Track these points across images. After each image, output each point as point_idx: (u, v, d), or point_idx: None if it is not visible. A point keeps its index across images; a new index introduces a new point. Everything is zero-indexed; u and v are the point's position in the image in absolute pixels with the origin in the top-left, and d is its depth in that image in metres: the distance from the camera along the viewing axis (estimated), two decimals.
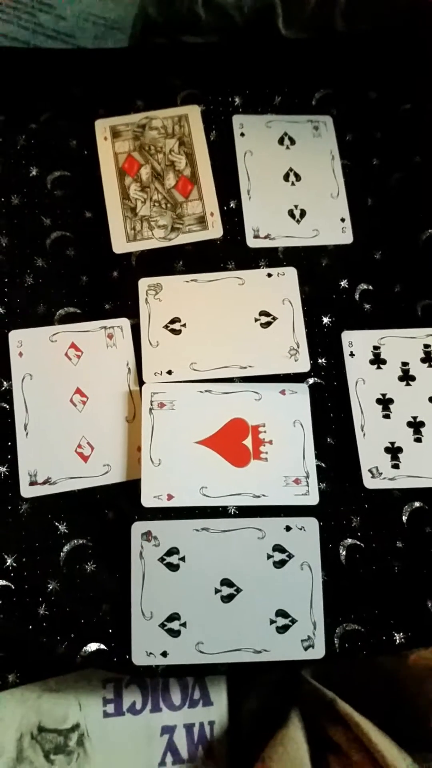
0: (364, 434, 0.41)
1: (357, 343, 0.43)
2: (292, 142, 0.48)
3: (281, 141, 0.48)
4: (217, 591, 0.37)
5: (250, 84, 0.49)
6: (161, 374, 0.42)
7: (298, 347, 0.42)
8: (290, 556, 0.38)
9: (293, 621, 0.37)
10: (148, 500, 0.38)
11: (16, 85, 0.49)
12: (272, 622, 0.37)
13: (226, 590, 0.37)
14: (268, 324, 0.43)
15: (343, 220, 0.46)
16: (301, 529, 0.38)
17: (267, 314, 0.43)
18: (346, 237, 0.46)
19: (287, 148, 0.48)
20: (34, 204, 0.47)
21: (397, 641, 0.38)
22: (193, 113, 0.48)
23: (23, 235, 0.46)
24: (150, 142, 0.48)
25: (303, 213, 0.46)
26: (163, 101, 0.49)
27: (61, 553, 0.39)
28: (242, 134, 0.48)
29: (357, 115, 0.49)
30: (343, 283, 0.45)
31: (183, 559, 0.37)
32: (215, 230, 0.46)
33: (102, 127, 0.48)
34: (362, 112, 0.49)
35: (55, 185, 0.47)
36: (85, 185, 0.47)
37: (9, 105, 0.49)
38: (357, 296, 0.45)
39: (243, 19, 0.51)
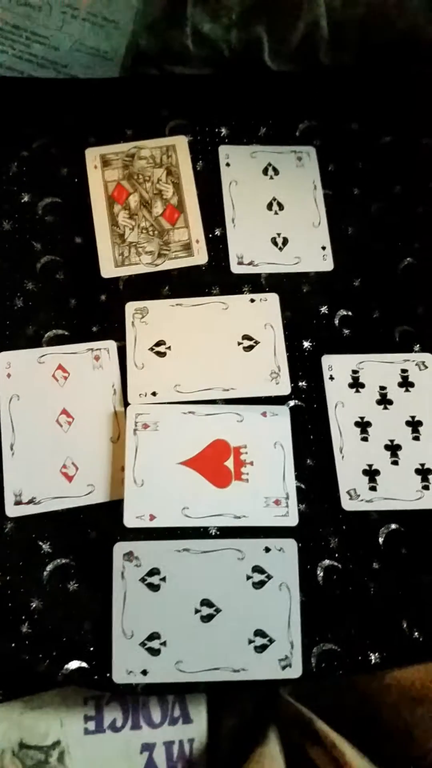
0: (343, 456, 0.41)
1: (336, 367, 0.43)
2: (276, 172, 0.49)
3: (265, 171, 0.49)
4: (197, 611, 0.37)
5: (236, 115, 0.50)
6: (146, 396, 0.42)
7: (280, 370, 0.43)
8: (269, 576, 0.38)
9: (271, 641, 0.37)
10: (130, 520, 0.38)
11: (8, 113, 0.50)
12: (251, 641, 0.37)
13: (206, 610, 0.37)
14: (250, 348, 0.44)
15: (324, 248, 0.47)
16: (280, 550, 0.38)
17: (249, 338, 0.44)
18: (327, 264, 0.47)
19: (271, 178, 0.49)
20: (26, 229, 0.47)
21: (373, 661, 0.38)
22: (181, 144, 0.49)
23: (14, 259, 0.46)
24: (138, 171, 0.48)
25: (285, 241, 0.47)
26: (151, 131, 0.49)
27: (44, 572, 0.39)
28: (228, 164, 0.49)
29: (339, 146, 0.50)
30: (324, 309, 0.45)
31: (164, 579, 0.37)
32: (200, 257, 0.46)
33: (92, 155, 0.49)
34: (344, 143, 0.50)
35: (46, 211, 0.48)
36: (75, 212, 0.47)
37: (2, 132, 0.49)
38: (337, 322, 0.45)
39: (231, 52, 0.52)
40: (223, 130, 0.50)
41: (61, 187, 0.48)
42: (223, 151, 0.49)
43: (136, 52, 0.51)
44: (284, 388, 0.42)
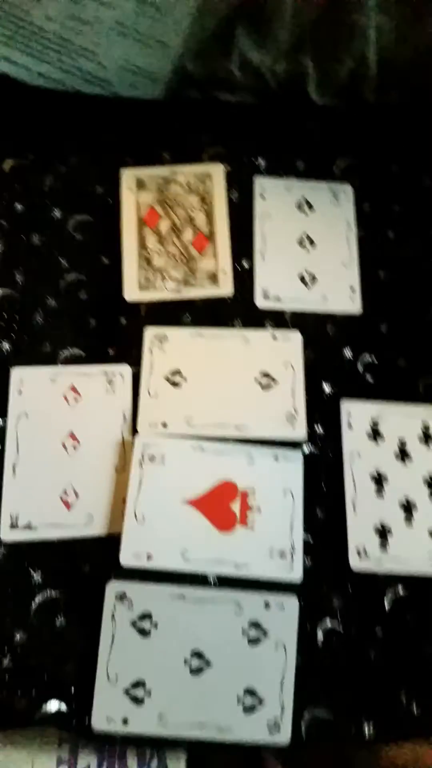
0: (355, 511, 0.38)
1: (356, 414, 0.41)
2: (310, 207, 0.47)
3: (299, 206, 0.47)
4: (186, 662, 0.35)
5: (275, 147, 0.49)
6: (156, 426, 0.40)
7: (297, 413, 0.41)
8: (266, 634, 0.35)
9: (261, 701, 0.35)
10: (127, 559, 0.36)
11: (48, 126, 0.49)
12: (239, 700, 0.34)
13: (196, 662, 0.35)
14: (268, 386, 0.42)
15: (353, 289, 0.45)
16: (280, 607, 0.35)
17: (268, 376, 0.42)
18: (355, 306, 0.45)
19: (305, 213, 0.47)
20: (54, 245, 0.46)
21: (367, 733, 0.35)
22: (217, 172, 0.48)
23: (39, 274, 0.46)
24: (172, 196, 0.47)
25: (314, 278, 0.45)
26: (189, 156, 0.48)
27: (33, 604, 0.37)
28: (262, 196, 0.48)
29: (377, 186, 0.48)
30: (348, 352, 0.43)
31: (155, 625, 0.35)
32: (226, 288, 0.45)
33: (128, 176, 0.48)
34: (383, 184, 0.48)
35: (76, 228, 0.47)
36: (104, 231, 0.46)
37: (39, 144, 0.49)
38: (360, 367, 0.43)
39: (276, 82, 0.51)
40: (261, 162, 0.49)
41: (93, 206, 0.47)
42: (259, 182, 0.48)
43: (181, 75, 0.50)
44: (300, 432, 0.40)
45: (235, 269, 0.45)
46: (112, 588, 0.36)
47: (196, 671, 0.35)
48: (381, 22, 0.46)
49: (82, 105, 0.50)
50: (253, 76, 0.51)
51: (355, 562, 0.38)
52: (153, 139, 0.49)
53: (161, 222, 0.46)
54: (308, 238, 0.46)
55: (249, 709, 0.34)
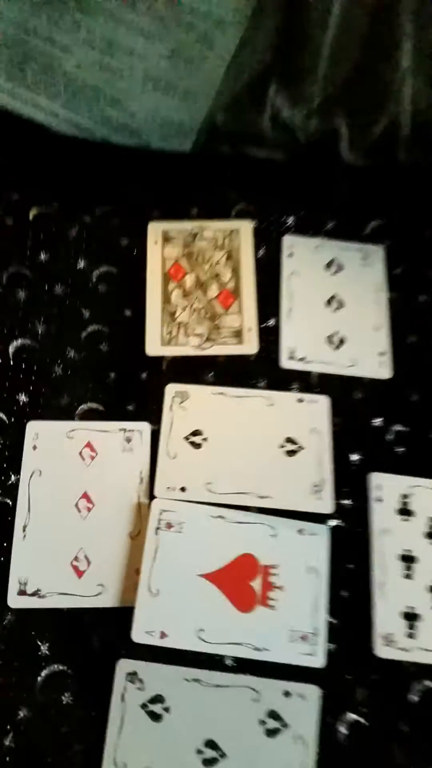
0: (383, 593, 0.37)
1: (386, 487, 0.41)
2: (340, 268, 0.48)
3: (329, 265, 0.48)
4: (199, 752, 0.34)
5: (305, 205, 0.50)
6: (174, 490, 0.40)
7: (323, 484, 0.40)
8: (285, 725, 0.34)
9: None
10: (139, 635, 0.36)
11: (75, 175, 0.51)
12: None
13: (210, 753, 0.34)
14: (293, 452, 0.41)
15: (382, 354, 0.45)
16: (300, 696, 0.34)
17: (293, 442, 0.42)
18: (384, 372, 0.45)
19: (334, 273, 0.48)
20: (77, 295, 0.47)
21: None
22: (245, 229, 0.49)
23: (61, 324, 0.46)
24: (198, 252, 0.48)
25: (342, 341, 0.46)
26: (217, 211, 0.50)
27: (38, 678, 0.36)
28: (290, 254, 0.48)
29: (409, 249, 0.49)
30: (377, 421, 0.43)
31: (168, 709, 0.34)
32: (251, 346, 0.45)
33: (154, 230, 0.49)
34: (415, 247, 0.49)
35: (100, 280, 0.48)
36: (128, 284, 0.47)
37: (65, 193, 0.50)
38: (390, 437, 0.43)
39: (307, 139, 0.53)
40: (290, 220, 0.50)
41: (118, 258, 0.48)
42: (287, 241, 0.49)
43: (211, 129, 0.52)
44: (327, 504, 0.39)
45: (260, 327, 0.46)
46: (123, 667, 0.35)
47: (209, 762, 0.34)
48: (416, 83, 0.47)
49: (110, 155, 0.52)
50: (284, 132, 0.53)
51: (381, 650, 0.37)
52: (181, 193, 0.51)
53: (187, 277, 0.47)
54: (337, 299, 0.47)
55: None
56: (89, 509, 0.40)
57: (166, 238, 0.49)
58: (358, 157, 0.52)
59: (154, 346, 0.45)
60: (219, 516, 0.39)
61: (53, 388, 0.44)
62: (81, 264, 0.48)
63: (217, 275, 0.47)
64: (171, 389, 0.43)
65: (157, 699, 0.34)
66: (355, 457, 0.42)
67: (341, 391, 0.44)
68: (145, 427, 0.42)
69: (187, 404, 0.43)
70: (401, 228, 0.49)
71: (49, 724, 0.35)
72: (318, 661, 0.35)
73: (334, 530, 0.40)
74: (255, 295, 0.47)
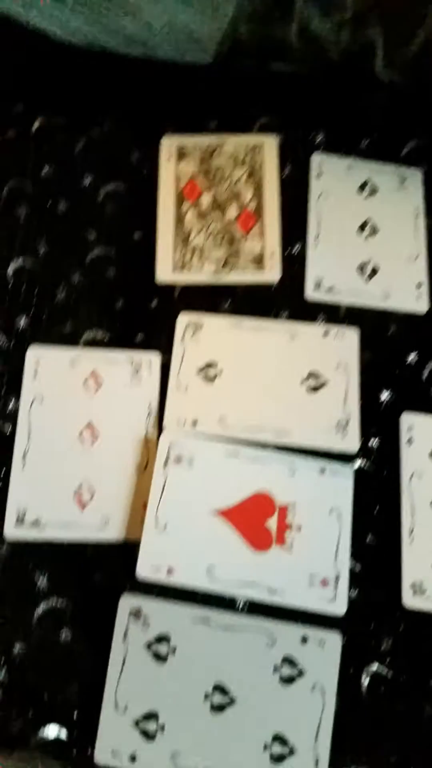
0: (412, 540, 0.36)
1: (418, 429, 0.39)
2: (374, 191, 0.45)
3: (362, 188, 0.45)
4: (207, 696, 0.33)
5: (335, 122, 0.47)
6: (185, 424, 0.38)
7: (349, 422, 0.38)
8: (301, 673, 0.33)
9: (292, 751, 0.32)
10: (144, 570, 0.34)
11: (84, 88, 0.48)
12: (266, 747, 0.32)
13: (218, 698, 0.33)
14: (316, 388, 0.39)
15: (419, 285, 0.43)
16: (319, 643, 0.33)
17: (317, 377, 0.40)
18: (421, 305, 0.42)
19: (367, 197, 0.45)
20: (82, 215, 0.45)
21: None
22: (269, 145, 0.46)
23: (64, 245, 0.44)
24: (217, 169, 0.45)
25: (374, 271, 0.43)
26: (238, 126, 0.47)
27: (35, 613, 0.35)
28: (319, 174, 0.46)
29: None
30: (411, 357, 0.41)
31: (173, 650, 0.33)
32: (272, 273, 0.43)
33: (168, 145, 0.46)
34: None
35: (108, 198, 0.45)
36: (138, 204, 0.45)
37: (74, 108, 0.47)
38: (425, 374, 0.41)
39: (339, 54, 0.49)
40: (319, 137, 0.47)
41: (127, 175, 0.46)
42: (316, 159, 0.46)
43: (233, 41, 0.49)
44: (352, 443, 0.38)
45: (284, 253, 0.43)
46: (127, 602, 0.34)
47: (218, 708, 0.32)
48: None
49: (123, 66, 0.49)
50: (313, 46, 0.49)
51: (409, 599, 0.35)
52: (198, 106, 0.48)
53: (203, 196, 0.45)
54: (370, 225, 0.44)
55: (277, 759, 0.32)
56: (94, 440, 0.38)
57: (181, 154, 0.46)
58: (393, 74, 0.49)
59: (165, 272, 0.43)
60: (232, 452, 0.37)
61: (56, 314, 0.42)
62: (87, 181, 0.46)
63: (237, 195, 0.45)
64: (183, 319, 0.41)
65: (163, 638, 0.33)
66: (385, 395, 0.40)
67: (372, 325, 0.42)
68: (155, 358, 0.41)
69: (200, 335, 0.41)
70: None
71: (45, 661, 0.34)
72: (339, 607, 0.34)
73: (359, 472, 0.38)
74: (279, 218, 0.44)
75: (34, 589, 0.35)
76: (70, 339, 0.42)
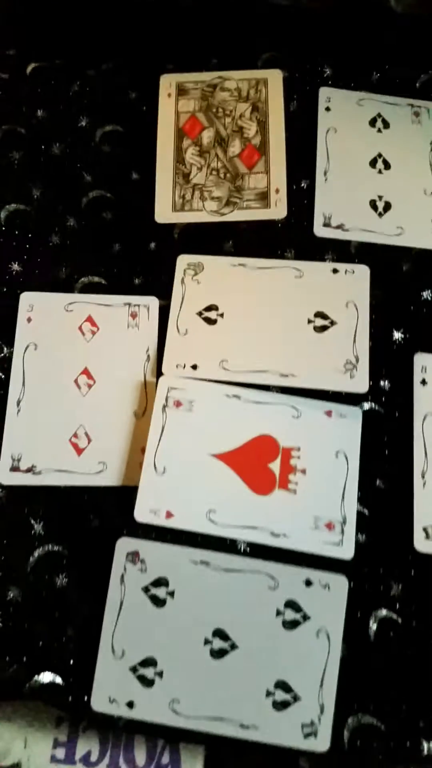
0: (425, 483, 0.36)
1: None
2: (386, 125, 0.45)
3: (373, 122, 0.45)
4: (207, 642, 0.33)
5: (345, 54, 0.46)
6: (184, 368, 0.38)
7: (357, 362, 0.38)
8: (306, 617, 0.33)
9: (295, 698, 0.32)
10: (142, 514, 0.34)
11: (81, 29, 0.48)
12: (269, 693, 0.32)
13: (219, 643, 0.33)
14: (323, 328, 0.39)
15: None
16: (325, 586, 0.33)
17: (324, 317, 0.39)
18: None
19: (379, 131, 0.44)
20: (78, 157, 0.45)
21: (425, 751, 0.32)
22: (275, 78, 0.45)
23: (59, 189, 0.44)
24: (219, 104, 0.45)
25: (388, 206, 0.42)
26: (242, 62, 0.47)
27: (31, 558, 0.36)
28: (328, 109, 0.45)
29: None
30: (426, 295, 0.40)
31: (172, 594, 0.33)
32: (278, 210, 0.42)
33: (167, 82, 0.46)
34: None
35: (104, 140, 0.45)
36: (137, 144, 0.45)
37: (71, 49, 0.47)
38: None
39: None
40: (328, 70, 0.46)
41: (125, 114, 0.46)
42: (325, 93, 0.45)
43: None
44: (361, 384, 0.37)
45: (290, 189, 0.43)
46: (123, 545, 0.34)
47: (218, 654, 0.33)
48: None
49: (120, 4, 0.48)
50: None
51: (421, 543, 0.35)
52: (200, 42, 0.47)
53: (204, 132, 0.44)
54: (383, 159, 0.44)
55: (280, 706, 0.32)
56: (90, 386, 0.39)
57: (182, 91, 0.46)
58: (405, 5, 0.48)
59: (164, 213, 0.43)
60: (234, 395, 0.37)
61: (50, 259, 0.43)
62: (83, 122, 0.46)
63: (241, 129, 0.44)
64: (183, 260, 0.41)
65: (161, 582, 0.33)
66: (397, 335, 0.40)
67: (385, 262, 0.41)
68: (153, 302, 0.41)
69: (201, 277, 0.41)
70: None
71: (41, 606, 0.35)
72: (346, 551, 0.34)
73: (368, 414, 0.37)
74: (285, 153, 0.43)
75: (29, 534, 0.36)
76: (66, 285, 0.42)
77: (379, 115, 0.45)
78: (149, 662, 0.33)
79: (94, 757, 0.35)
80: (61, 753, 0.35)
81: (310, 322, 0.39)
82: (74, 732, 0.36)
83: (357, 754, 0.32)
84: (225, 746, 0.33)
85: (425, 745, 0.32)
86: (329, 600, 0.33)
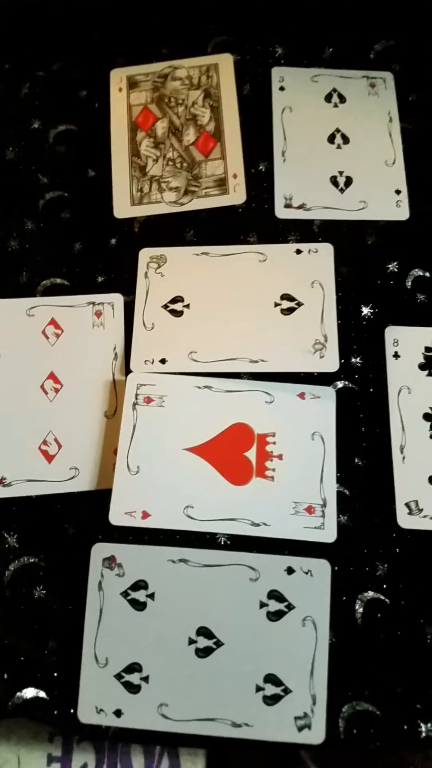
0: (404, 458, 0.35)
1: (404, 341, 0.37)
2: (342, 99, 0.44)
3: (328, 98, 0.44)
4: (191, 642, 0.32)
5: (295, 32, 0.46)
6: (152, 363, 0.37)
7: (326, 341, 0.37)
8: (290, 607, 0.32)
9: (286, 691, 0.31)
10: (117, 517, 0.33)
11: (27, 30, 0.47)
12: (259, 689, 0.31)
13: (203, 642, 0.32)
14: (290, 310, 0.38)
15: (398, 192, 0.41)
16: (307, 573, 0.32)
17: (291, 299, 0.38)
18: (401, 212, 0.41)
19: (335, 105, 0.44)
20: (32, 160, 0.44)
21: (423, 733, 0.31)
22: (225, 63, 0.45)
23: (14, 193, 0.44)
24: (171, 94, 0.44)
25: (349, 181, 0.41)
26: (192, 49, 0.46)
27: (7, 572, 0.35)
28: (282, 88, 0.44)
29: (423, 72, 0.44)
30: (392, 267, 0.40)
31: (152, 596, 0.32)
32: (237, 195, 0.41)
33: (118, 76, 0.45)
34: (430, 68, 0.44)
35: (58, 140, 0.45)
36: (91, 141, 0.44)
37: (19, 52, 0.47)
38: (409, 284, 0.39)
39: None
40: (279, 50, 0.45)
41: (78, 114, 0.45)
42: (277, 73, 0.45)
43: None
44: (331, 363, 0.36)
45: (249, 173, 0.42)
46: (99, 551, 0.33)
47: (204, 652, 0.32)
48: None
49: (67, 3, 0.48)
50: None
51: (405, 519, 0.34)
52: (148, 33, 0.47)
53: (158, 123, 0.44)
54: (341, 134, 0.43)
55: (271, 700, 0.31)
56: (57, 390, 0.38)
57: (132, 83, 0.45)
58: None
59: (123, 207, 0.42)
60: (205, 386, 0.36)
61: (9, 264, 0.42)
62: (35, 124, 0.45)
63: (194, 117, 0.44)
64: (145, 254, 0.40)
65: (140, 585, 0.33)
66: (366, 310, 0.39)
67: (350, 238, 0.40)
68: (117, 299, 0.40)
69: (164, 269, 0.40)
70: (412, 49, 0.45)
71: (20, 620, 0.34)
72: (328, 535, 0.33)
73: (342, 392, 0.36)
74: (240, 137, 0.43)
75: (4, 547, 0.35)
76: (27, 289, 0.41)
77: (335, 89, 0.44)
78: (134, 668, 0.32)
79: None
80: None
81: (276, 305, 0.39)
82: (68, 746, 0.35)
83: (354, 743, 0.31)
84: (221, 746, 0.32)
85: (423, 727, 0.31)
86: (313, 586, 0.32)
